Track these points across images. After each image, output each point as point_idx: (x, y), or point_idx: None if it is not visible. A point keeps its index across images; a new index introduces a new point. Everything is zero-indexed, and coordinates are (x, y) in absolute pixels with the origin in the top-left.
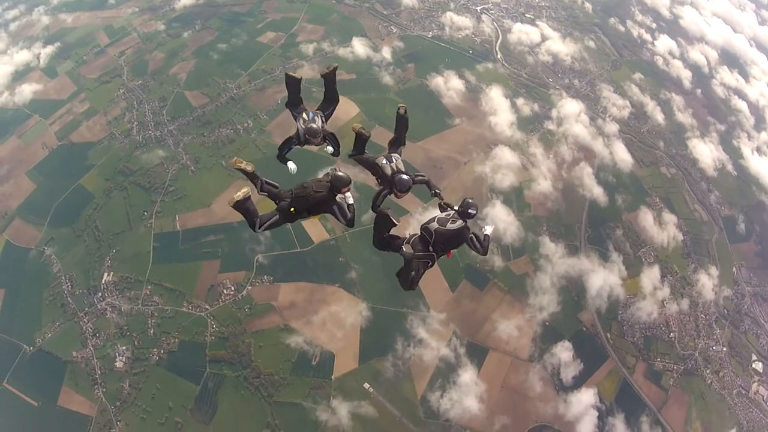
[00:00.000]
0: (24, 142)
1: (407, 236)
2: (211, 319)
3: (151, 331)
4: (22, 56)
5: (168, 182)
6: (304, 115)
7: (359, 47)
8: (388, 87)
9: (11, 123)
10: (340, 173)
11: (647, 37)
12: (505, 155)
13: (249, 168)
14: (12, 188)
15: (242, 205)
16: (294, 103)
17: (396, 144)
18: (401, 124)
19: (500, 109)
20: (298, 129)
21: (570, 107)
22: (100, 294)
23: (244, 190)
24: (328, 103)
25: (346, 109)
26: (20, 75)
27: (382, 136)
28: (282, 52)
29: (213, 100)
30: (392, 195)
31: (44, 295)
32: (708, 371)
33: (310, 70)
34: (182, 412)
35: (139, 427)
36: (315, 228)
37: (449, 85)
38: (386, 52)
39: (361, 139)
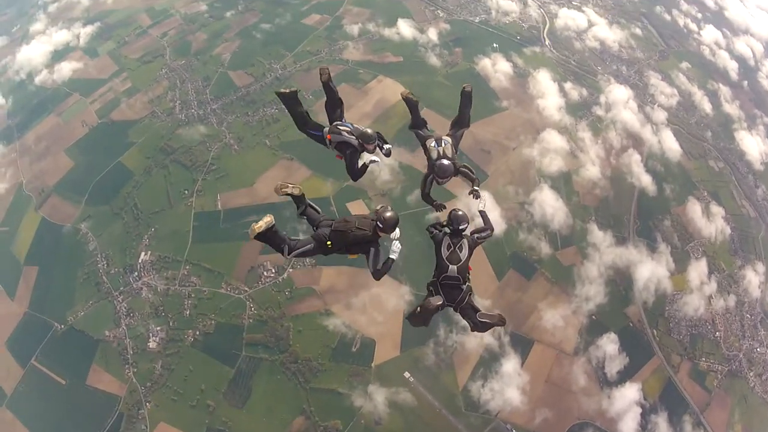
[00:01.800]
0: (63, 120)
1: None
2: (250, 302)
3: (187, 312)
4: (61, 36)
5: (210, 161)
6: (341, 126)
7: (405, 28)
8: (435, 69)
9: (50, 101)
10: (389, 213)
11: (693, 26)
12: (554, 139)
13: (296, 192)
14: (50, 165)
15: (264, 236)
16: (303, 123)
17: (458, 124)
18: (465, 103)
19: (548, 92)
20: (344, 141)
21: (618, 93)
22: (136, 273)
23: (266, 220)
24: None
25: (394, 91)
26: (60, 55)
27: (430, 118)
28: (327, 34)
29: (258, 80)
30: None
31: (79, 274)
32: (752, 374)
33: (355, 51)
34: (215, 395)
35: (169, 409)
36: (360, 209)
37: (497, 67)
38: (432, 34)
39: (412, 105)
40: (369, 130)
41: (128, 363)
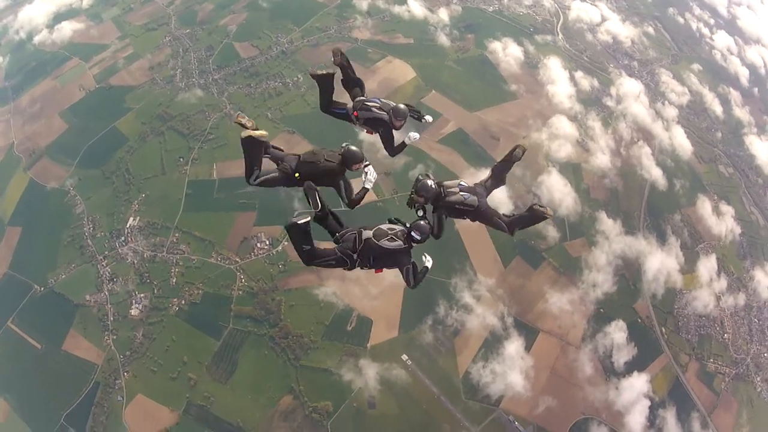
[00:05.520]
0: (60, 84)
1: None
2: (241, 273)
3: (174, 280)
4: None
5: (208, 130)
6: (368, 102)
7: (416, 6)
8: (445, 52)
9: (48, 64)
10: (353, 148)
11: (705, 31)
12: (563, 125)
13: (249, 125)
14: (43, 127)
15: (252, 143)
16: (328, 104)
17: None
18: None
19: (558, 79)
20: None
21: (629, 86)
22: (123, 238)
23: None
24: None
25: (403, 72)
26: (62, 17)
27: (438, 102)
28: (338, 12)
29: (263, 53)
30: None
31: (63, 236)
32: (758, 378)
33: (364, 29)
34: (197, 368)
35: (147, 380)
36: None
37: (507, 51)
38: (443, 14)
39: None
40: (401, 106)
41: (108, 330)
